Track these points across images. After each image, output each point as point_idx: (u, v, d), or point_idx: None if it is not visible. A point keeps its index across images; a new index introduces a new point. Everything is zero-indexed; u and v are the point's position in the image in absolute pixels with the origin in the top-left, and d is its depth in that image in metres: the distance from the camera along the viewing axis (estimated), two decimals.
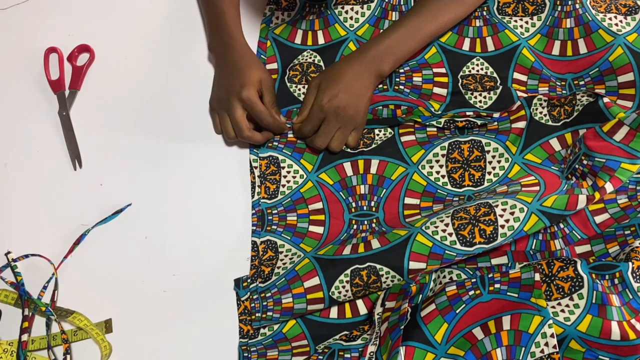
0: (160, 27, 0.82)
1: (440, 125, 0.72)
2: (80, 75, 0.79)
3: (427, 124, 0.72)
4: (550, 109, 0.70)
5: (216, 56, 0.76)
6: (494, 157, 0.70)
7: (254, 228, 0.69)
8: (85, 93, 0.79)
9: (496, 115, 0.71)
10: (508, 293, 0.56)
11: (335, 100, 0.69)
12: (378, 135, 0.73)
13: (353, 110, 0.69)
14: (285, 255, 0.67)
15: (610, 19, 0.71)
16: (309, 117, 0.71)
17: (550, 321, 0.53)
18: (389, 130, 0.73)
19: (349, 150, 0.72)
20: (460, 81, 0.74)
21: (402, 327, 0.55)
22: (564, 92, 0.72)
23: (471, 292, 0.56)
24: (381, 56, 0.71)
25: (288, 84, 0.76)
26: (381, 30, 0.77)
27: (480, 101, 0.73)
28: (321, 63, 0.76)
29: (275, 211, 0.70)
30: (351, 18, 0.78)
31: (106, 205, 0.71)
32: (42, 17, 0.84)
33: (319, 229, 0.69)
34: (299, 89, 0.76)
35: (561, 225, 0.65)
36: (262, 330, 0.64)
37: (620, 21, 0.71)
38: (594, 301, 0.52)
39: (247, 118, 0.70)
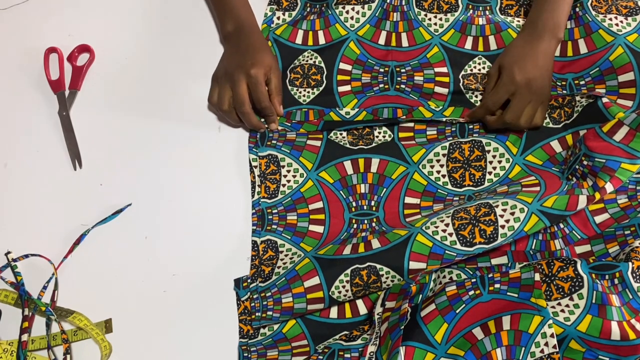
0: (160, 27, 0.82)
1: (444, 119, 0.72)
2: (80, 75, 0.79)
3: (432, 120, 0.72)
4: (551, 111, 0.70)
5: (231, 40, 0.76)
6: (494, 157, 0.70)
7: (254, 228, 0.69)
8: (85, 93, 0.79)
9: None
10: (508, 293, 0.56)
11: (526, 72, 0.67)
12: (377, 137, 0.73)
13: (541, 82, 0.68)
14: (286, 255, 0.67)
15: (610, 19, 0.71)
16: (496, 89, 0.69)
17: (550, 321, 0.53)
18: (389, 132, 0.73)
19: (348, 146, 0.72)
20: (461, 81, 0.74)
21: (402, 327, 0.55)
22: (564, 91, 0.72)
23: (471, 292, 0.56)
24: (550, 23, 0.70)
25: (289, 87, 0.76)
26: (383, 31, 0.77)
27: (481, 100, 0.73)
28: (322, 64, 0.76)
29: (276, 211, 0.70)
30: (352, 18, 0.78)
31: (106, 205, 0.71)
32: (42, 17, 0.84)
33: (319, 229, 0.69)
34: (300, 92, 0.76)
35: (561, 225, 0.65)
36: (262, 330, 0.64)
37: (621, 21, 0.71)
38: (594, 301, 0.52)
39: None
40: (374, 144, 0.72)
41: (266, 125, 0.74)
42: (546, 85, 0.68)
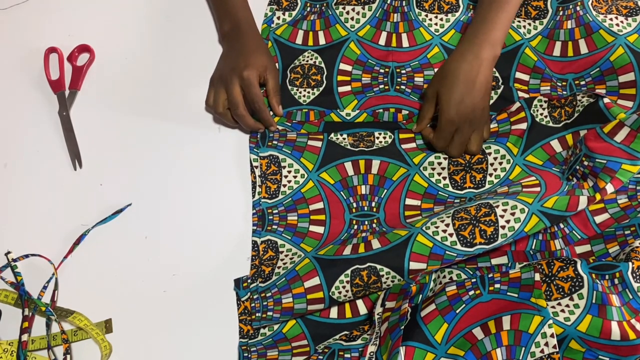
0: (160, 27, 0.82)
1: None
2: (80, 75, 0.79)
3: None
4: (551, 111, 0.70)
5: (228, 40, 0.76)
6: (495, 159, 0.70)
7: (255, 228, 0.69)
8: (85, 93, 0.79)
9: (495, 115, 0.71)
10: (508, 293, 0.55)
11: (463, 106, 0.66)
12: (378, 138, 0.73)
13: (481, 107, 0.67)
14: (286, 255, 0.67)
15: (611, 19, 0.71)
16: (440, 131, 0.68)
17: (550, 321, 0.53)
18: (389, 134, 0.73)
19: (349, 148, 0.72)
20: None
21: (402, 327, 0.55)
22: (564, 92, 0.72)
23: (471, 292, 0.56)
24: (489, 38, 0.68)
25: (289, 87, 0.76)
26: (383, 32, 0.77)
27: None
28: (322, 65, 0.76)
29: (276, 211, 0.70)
30: (352, 18, 0.78)
31: (106, 205, 0.71)
32: (42, 17, 0.84)
33: (320, 229, 0.69)
34: (300, 92, 0.76)
35: (561, 225, 0.65)
36: (262, 330, 0.64)
37: (622, 22, 0.71)
38: (594, 301, 0.52)
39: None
40: (374, 147, 0.72)
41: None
42: (485, 107, 0.68)
